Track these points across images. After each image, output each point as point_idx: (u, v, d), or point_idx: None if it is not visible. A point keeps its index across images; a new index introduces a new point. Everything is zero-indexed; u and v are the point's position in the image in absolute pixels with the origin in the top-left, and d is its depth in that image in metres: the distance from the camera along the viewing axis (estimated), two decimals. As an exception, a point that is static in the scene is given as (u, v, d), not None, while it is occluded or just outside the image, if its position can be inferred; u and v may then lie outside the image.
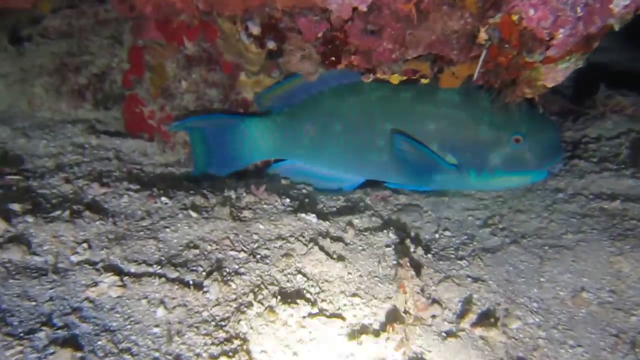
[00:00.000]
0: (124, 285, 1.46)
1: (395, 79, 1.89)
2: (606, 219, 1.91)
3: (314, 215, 1.92)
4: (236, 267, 1.62)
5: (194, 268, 1.59)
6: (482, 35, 1.60)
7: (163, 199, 1.90)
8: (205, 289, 1.50)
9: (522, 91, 1.79)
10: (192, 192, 1.99)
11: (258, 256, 1.68)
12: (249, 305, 1.46)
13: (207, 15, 1.88)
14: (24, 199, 1.84)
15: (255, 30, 1.81)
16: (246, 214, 1.90)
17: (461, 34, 1.61)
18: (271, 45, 1.89)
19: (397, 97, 2.16)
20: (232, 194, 2.03)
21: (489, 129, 2.10)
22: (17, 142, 2.36)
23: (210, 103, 2.31)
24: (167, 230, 1.73)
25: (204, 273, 1.57)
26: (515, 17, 1.54)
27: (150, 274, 1.52)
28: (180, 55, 2.29)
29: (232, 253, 1.68)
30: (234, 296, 1.51)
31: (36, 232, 1.64)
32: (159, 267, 1.56)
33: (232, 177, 2.37)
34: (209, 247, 1.69)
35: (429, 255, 1.78)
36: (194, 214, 1.83)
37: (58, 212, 1.73)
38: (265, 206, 2.00)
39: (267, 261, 1.66)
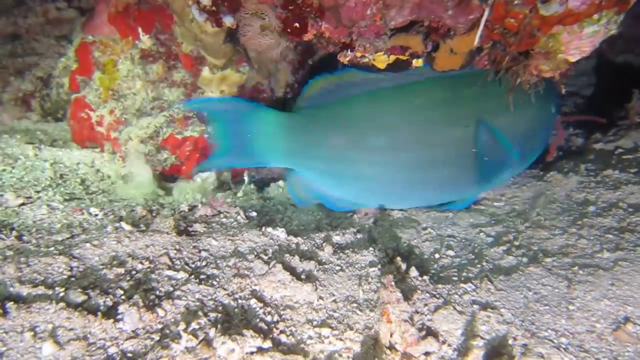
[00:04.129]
0: (3, 314, 1.07)
1: (381, 59, 1.54)
2: (653, 235, 1.59)
3: (282, 229, 1.56)
4: (170, 289, 1.24)
5: (111, 291, 1.20)
6: (484, -14, 1.23)
7: (92, 210, 1.54)
8: (118, 317, 1.11)
9: (538, 67, 1.43)
10: (134, 204, 1.62)
11: (202, 277, 1.31)
12: (176, 337, 1.07)
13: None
14: None
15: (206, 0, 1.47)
16: (197, 227, 1.55)
17: (457, -15, 1.25)
18: (228, 21, 1.55)
19: (454, 97, 1.76)
20: (185, 207, 1.66)
21: (537, 108, 1.86)
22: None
23: (168, 104, 1.95)
24: (88, 245, 1.35)
25: (122, 297, 1.18)
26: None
27: (46, 298, 1.13)
28: (135, 50, 1.95)
29: (169, 273, 1.31)
30: (159, 326, 1.13)
31: None
32: (62, 289, 1.17)
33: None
34: (139, 266, 1.32)
35: (425, 277, 1.42)
36: (127, 227, 1.46)
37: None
38: (224, 220, 1.64)
39: (214, 282, 1.29)
